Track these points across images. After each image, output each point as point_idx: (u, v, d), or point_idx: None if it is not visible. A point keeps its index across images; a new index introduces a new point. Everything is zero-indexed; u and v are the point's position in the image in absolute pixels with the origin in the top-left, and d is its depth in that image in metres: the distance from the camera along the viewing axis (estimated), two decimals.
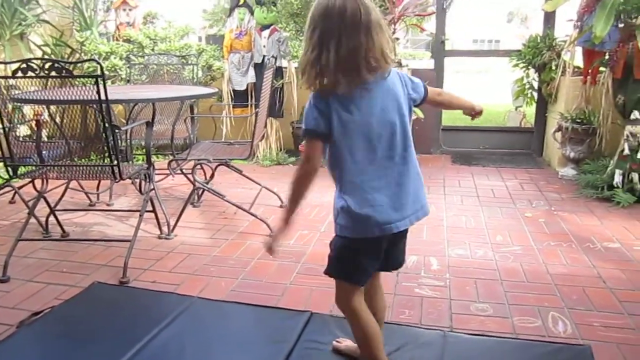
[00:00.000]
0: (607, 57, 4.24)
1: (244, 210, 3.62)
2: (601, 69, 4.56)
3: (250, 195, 4.09)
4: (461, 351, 2.15)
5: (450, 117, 6.57)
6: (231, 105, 5.57)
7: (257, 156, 5.55)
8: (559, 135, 4.91)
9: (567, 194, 4.43)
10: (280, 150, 5.63)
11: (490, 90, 12.43)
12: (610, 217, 3.83)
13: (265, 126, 5.33)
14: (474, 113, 2.03)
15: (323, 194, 4.33)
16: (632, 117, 4.05)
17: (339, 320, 2.37)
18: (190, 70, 4.93)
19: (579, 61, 4.91)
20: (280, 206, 4.05)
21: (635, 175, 4.08)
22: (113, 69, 5.01)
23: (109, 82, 4.70)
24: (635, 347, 2.20)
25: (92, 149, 3.53)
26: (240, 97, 5.59)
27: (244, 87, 5.52)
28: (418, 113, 4.99)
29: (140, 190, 3.79)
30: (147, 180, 3.15)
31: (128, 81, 4.78)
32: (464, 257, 3.12)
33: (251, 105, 5.53)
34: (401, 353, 2.14)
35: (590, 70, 4.52)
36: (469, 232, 3.53)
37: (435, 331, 2.28)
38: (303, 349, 2.18)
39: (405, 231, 1.82)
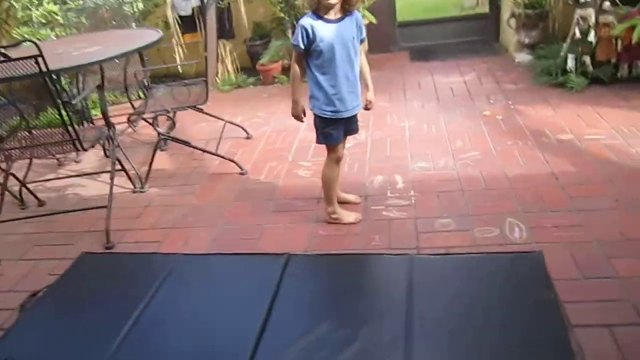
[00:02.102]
0: None
1: (211, 153, 3.68)
2: None
3: (217, 130, 4.12)
4: (427, 274, 2.35)
5: (404, 13, 6.45)
6: (180, 32, 5.39)
7: (216, 81, 5.48)
8: (513, 21, 4.90)
9: (523, 83, 4.53)
10: (238, 71, 5.56)
11: None
12: (564, 104, 3.97)
13: (217, 50, 5.23)
14: (365, 103, 2.72)
15: (285, 118, 4.39)
16: (581, 0, 4.05)
17: (313, 258, 2.56)
18: (130, 3, 4.72)
19: None
20: (247, 137, 4.10)
21: (587, 58, 4.17)
22: (49, 15, 4.77)
23: (48, 31, 4.52)
24: (581, 245, 2.43)
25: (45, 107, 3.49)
26: (187, 22, 5.40)
27: (189, 12, 5.32)
28: (370, 18, 4.91)
29: (104, 152, 3.79)
30: (110, 142, 3.16)
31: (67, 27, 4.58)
32: (427, 170, 3.27)
33: (200, 30, 5.36)
34: (373, 282, 2.35)
35: None
36: (430, 141, 3.66)
37: (403, 256, 2.47)
38: (285, 292, 2.37)
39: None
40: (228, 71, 5.49)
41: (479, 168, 3.22)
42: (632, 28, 3.81)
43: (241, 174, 3.52)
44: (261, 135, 4.13)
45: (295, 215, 2.98)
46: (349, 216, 2.85)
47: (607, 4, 3.99)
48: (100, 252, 2.88)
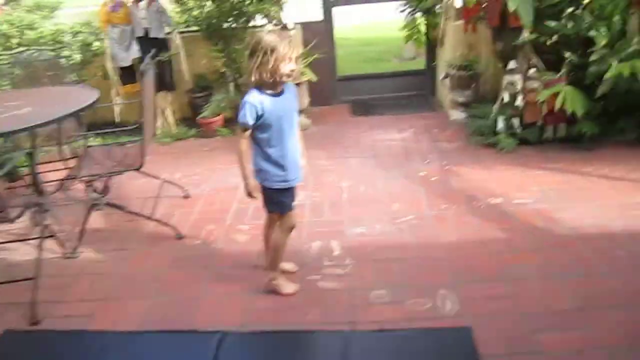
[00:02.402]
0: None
1: (146, 217, 3.60)
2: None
3: (155, 187, 4.05)
4: (360, 352, 2.37)
5: (345, 63, 6.63)
6: (120, 83, 5.32)
7: (157, 133, 5.41)
8: (447, 81, 5.11)
9: (457, 141, 4.70)
10: (178, 123, 5.51)
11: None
12: (495, 166, 4.14)
13: (155, 103, 5.20)
14: None
15: (225, 175, 4.38)
16: (509, 66, 4.28)
17: (247, 337, 2.53)
18: (67, 56, 4.63)
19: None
20: (185, 197, 4.05)
21: (515, 121, 4.38)
22: None
23: None
24: (509, 317, 2.51)
25: None
26: (127, 73, 5.34)
27: (129, 63, 5.26)
28: (310, 75, 5.02)
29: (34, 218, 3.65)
30: (39, 209, 3.06)
31: None
32: (364, 236, 3.32)
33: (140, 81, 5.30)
34: None
35: (468, 20, 4.68)
36: (367, 203, 3.72)
37: (337, 334, 2.48)
38: None
39: None
40: (168, 123, 5.43)
41: (414, 234, 3.29)
42: (556, 94, 4.04)
43: (178, 238, 3.46)
44: (200, 195, 4.09)
45: (231, 285, 2.95)
46: (288, 287, 2.84)
47: (532, 71, 4.22)
48: (24, 329, 2.74)
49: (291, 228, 2.75)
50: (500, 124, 4.43)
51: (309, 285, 2.89)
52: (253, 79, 2.39)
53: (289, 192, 2.65)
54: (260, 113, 2.42)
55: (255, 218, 3.61)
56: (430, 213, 3.52)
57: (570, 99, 3.96)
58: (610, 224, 3.21)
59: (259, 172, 2.58)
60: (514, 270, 2.85)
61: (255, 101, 2.41)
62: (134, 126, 3.47)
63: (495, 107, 4.48)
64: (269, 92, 2.44)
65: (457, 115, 5.14)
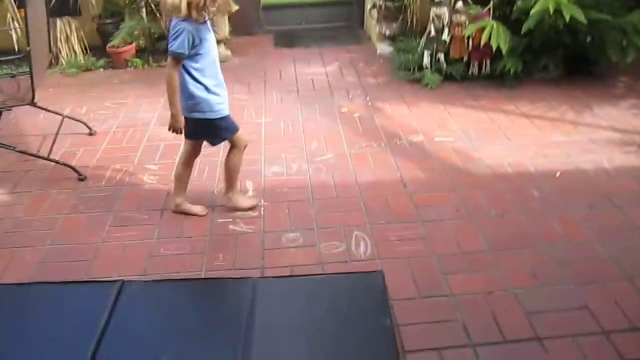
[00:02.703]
0: None
1: (43, 157, 3.28)
2: None
3: (56, 123, 3.68)
4: (267, 300, 2.25)
5: None
6: (15, 6, 4.76)
7: (61, 63, 4.94)
8: (374, 12, 4.90)
9: (382, 76, 4.55)
10: (86, 52, 5.05)
11: None
12: (418, 102, 4.04)
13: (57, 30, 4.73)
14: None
15: (135, 110, 4.06)
16: None
17: (149, 286, 2.36)
18: None
19: None
20: (90, 134, 3.73)
21: (441, 56, 4.26)
22: None
23: None
24: (422, 259, 2.46)
25: None
26: None
27: None
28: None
29: None
30: None
31: None
32: (279, 175, 3.17)
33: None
34: (211, 310, 2.22)
35: None
36: (286, 141, 3.55)
37: (244, 281, 2.35)
38: (116, 325, 2.16)
39: None
40: (75, 52, 4.96)
41: (331, 172, 3.17)
42: (482, 29, 3.93)
43: (80, 179, 3.19)
44: (106, 131, 3.77)
45: (136, 230, 2.75)
46: (246, 201, 2.87)
47: (459, 4, 4.08)
48: None
49: (245, 145, 2.75)
50: (426, 59, 4.31)
51: (219, 228, 2.73)
52: (183, 13, 2.25)
53: (228, 116, 2.65)
54: (196, 42, 2.34)
55: (165, 157, 3.38)
56: (349, 151, 3.40)
57: (495, 34, 3.86)
58: (527, 162, 3.21)
59: (196, 105, 2.49)
60: (429, 212, 2.80)
61: (191, 29, 2.30)
62: (19, 56, 3.07)
63: (422, 41, 4.33)
64: (198, 21, 2.32)
65: (384, 48, 4.97)
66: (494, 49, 3.91)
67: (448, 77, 4.29)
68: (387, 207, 2.84)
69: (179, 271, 2.46)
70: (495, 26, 3.89)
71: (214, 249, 2.59)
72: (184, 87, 2.45)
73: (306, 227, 2.71)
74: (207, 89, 2.49)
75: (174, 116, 2.49)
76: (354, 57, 5.01)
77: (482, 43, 3.90)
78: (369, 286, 2.30)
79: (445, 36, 4.16)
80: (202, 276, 2.43)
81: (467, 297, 2.25)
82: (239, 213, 2.84)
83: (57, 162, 3.25)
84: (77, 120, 3.76)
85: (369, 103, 4.07)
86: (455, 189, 2.98)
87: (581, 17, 3.60)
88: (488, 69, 4.25)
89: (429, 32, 4.22)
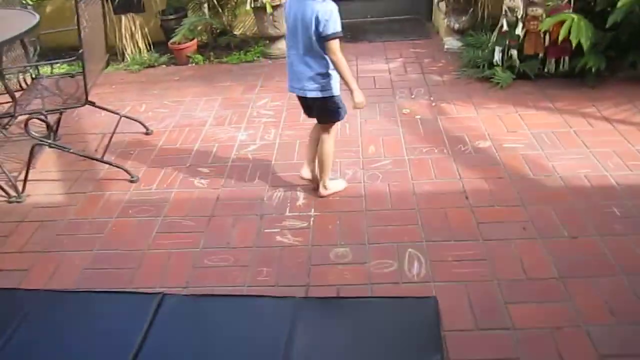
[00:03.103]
0: None
1: (95, 159, 3.28)
2: None
3: (113, 122, 3.69)
4: (310, 322, 2.12)
5: None
6: None
7: (126, 58, 5.00)
8: (442, 5, 4.61)
9: (449, 74, 4.27)
10: (150, 48, 5.07)
11: None
12: (487, 103, 3.75)
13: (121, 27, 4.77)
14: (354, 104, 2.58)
15: (193, 108, 4.01)
16: None
17: (189, 300, 2.28)
18: None
19: None
20: (146, 133, 3.71)
21: (514, 52, 3.93)
22: None
23: None
24: (481, 284, 2.23)
25: None
26: None
27: None
28: None
29: None
30: None
31: None
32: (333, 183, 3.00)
33: None
34: (251, 329, 2.11)
35: None
36: (342, 144, 3.37)
37: (286, 300, 2.22)
38: (155, 338, 2.10)
39: (305, 98, 2.66)
40: (139, 48, 4.99)
41: (387, 181, 2.97)
42: (561, 23, 3.58)
43: (131, 181, 3.16)
44: (163, 131, 3.75)
45: (182, 237, 2.68)
46: (339, 184, 2.92)
47: None
48: None
49: (336, 132, 2.85)
50: (497, 55, 3.99)
51: (265, 239, 2.61)
52: None
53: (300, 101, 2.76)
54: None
55: (217, 159, 3.30)
56: (408, 157, 3.18)
57: (576, 29, 3.50)
58: (608, 175, 2.87)
59: (326, 82, 2.54)
60: (493, 229, 2.55)
61: (337, 10, 2.40)
62: (72, 58, 3.06)
63: (493, 36, 4.01)
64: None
65: (452, 43, 4.67)
66: (573, 45, 3.55)
67: (521, 75, 3.96)
68: (445, 222, 2.62)
69: (221, 284, 2.36)
70: (576, 20, 3.52)
71: (259, 262, 2.47)
72: (317, 65, 2.50)
73: (357, 242, 2.54)
74: (330, 66, 2.51)
75: (357, 92, 2.53)
76: (419, 53, 4.75)
77: (561, 38, 3.54)
78: (421, 314, 2.12)
79: (519, 31, 3.82)
80: (244, 291, 2.31)
81: (531, 333, 2.01)
82: (287, 222, 2.71)
83: (110, 163, 3.24)
84: (135, 120, 3.75)
85: (433, 103, 3.82)
86: (523, 203, 2.71)
87: None
88: (566, 66, 3.88)
89: (501, 26, 3.90)
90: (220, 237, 2.65)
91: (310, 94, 2.59)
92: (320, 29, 2.36)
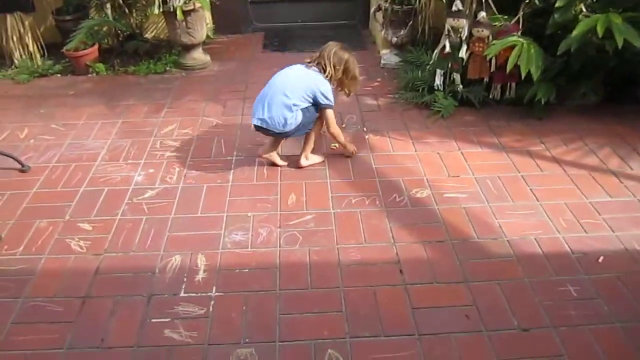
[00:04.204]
0: None
1: None
2: None
3: None
4: None
5: None
6: None
7: (14, 64, 4.26)
8: (379, 15, 4.11)
9: (385, 97, 3.81)
10: (43, 53, 4.34)
11: None
12: (427, 136, 3.31)
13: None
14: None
15: (85, 135, 3.36)
16: (453, 7, 3.32)
17: None
18: None
19: None
20: (22, 170, 3.05)
21: (456, 77, 3.51)
22: None
23: None
24: None
25: None
26: None
27: None
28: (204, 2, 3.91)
29: None
30: None
31: None
32: (241, 247, 2.48)
33: None
34: None
35: None
36: (258, 191, 2.85)
37: None
38: None
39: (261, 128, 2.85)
40: (30, 54, 4.26)
41: (308, 245, 2.48)
42: (509, 48, 3.17)
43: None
44: (43, 167, 3.10)
45: (44, 332, 2.09)
46: (317, 158, 3.08)
47: (482, 14, 3.29)
48: None
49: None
50: (438, 80, 3.55)
51: (151, 334, 2.08)
52: (334, 83, 2.91)
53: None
54: None
55: (104, 212, 2.71)
56: (335, 210, 2.70)
57: (526, 57, 3.09)
58: (561, 237, 2.50)
59: (300, 128, 2.84)
60: (431, 317, 2.11)
61: None
62: None
63: (434, 55, 3.56)
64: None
65: (390, 58, 4.21)
66: (523, 74, 3.15)
67: (464, 102, 3.54)
68: (375, 308, 2.16)
69: None
70: (525, 46, 3.12)
71: None
72: (307, 118, 2.83)
73: (265, 339, 2.04)
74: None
75: (349, 149, 3.08)
76: None
77: (510, 67, 3.13)
78: None
79: (462, 53, 3.39)
80: None
81: None
82: (181, 307, 2.18)
83: None
84: (6, 155, 3.07)
85: (366, 136, 3.34)
86: (466, 278, 2.28)
87: (638, 41, 2.83)
88: (513, 93, 3.50)
89: (443, 47, 3.45)
90: (93, 331, 2.09)
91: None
92: None
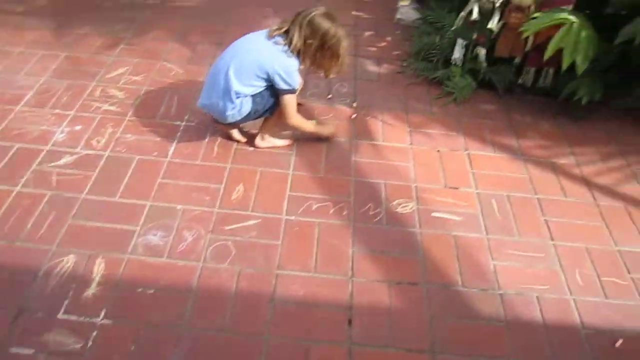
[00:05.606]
0: None
1: None
2: None
3: None
4: None
5: None
6: None
7: None
8: None
9: (390, 64, 3.10)
10: None
11: None
12: (429, 125, 2.65)
13: None
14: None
15: (18, 69, 2.73)
16: None
17: None
18: None
19: None
20: None
21: (481, 52, 2.78)
22: None
23: None
24: None
25: None
26: None
27: None
28: None
29: None
30: None
31: None
32: (156, 254, 1.92)
33: None
34: None
35: None
36: (196, 175, 2.26)
37: None
38: None
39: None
40: None
41: (240, 264, 1.91)
42: (554, 27, 2.43)
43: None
44: None
45: None
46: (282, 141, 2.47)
47: None
48: None
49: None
50: (458, 52, 2.84)
51: None
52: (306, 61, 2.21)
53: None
54: None
55: (4, 179, 2.15)
56: (287, 217, 2.11)
57: (572, 43, 2.37)
58: (571, 300, 1.89)
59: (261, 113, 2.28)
60: None
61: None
62: None
63: (458, 21, 2.82)
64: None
65: (407, 13, 3.46)
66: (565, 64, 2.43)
67: (485, 85, 2.84)
68: None
69: None
70: (575, 28, 2.38)
71: None
72: (265, 97, 2.23)
73: None
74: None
75: (320, 134, 2.44)
76: (361, 19, 3.51)
77: (550, 54, 2.42)
78: None
79: (493, 24, 2.65)
80: None
81: None
82: (51, 337, 1.66)
83: None
84: None
85: (353, 115, 2.68)
86: (433, 347, 1.71)
87: None
88: (549, 81, 2.78)
89: (470, 12, 2.71)
90: None
91: None
92: None
